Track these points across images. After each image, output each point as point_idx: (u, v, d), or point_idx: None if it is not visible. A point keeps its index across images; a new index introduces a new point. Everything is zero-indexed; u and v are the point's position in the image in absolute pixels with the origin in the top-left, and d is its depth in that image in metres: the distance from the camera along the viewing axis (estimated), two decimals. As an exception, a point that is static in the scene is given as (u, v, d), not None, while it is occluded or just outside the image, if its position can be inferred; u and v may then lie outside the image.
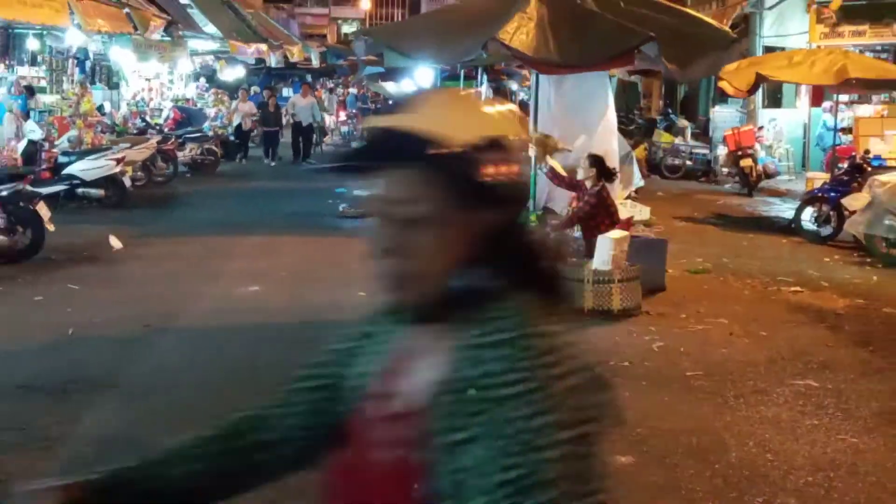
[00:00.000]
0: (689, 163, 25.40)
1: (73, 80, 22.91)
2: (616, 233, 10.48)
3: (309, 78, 40.61)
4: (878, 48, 22.02)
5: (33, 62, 21.16)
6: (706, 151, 25.58)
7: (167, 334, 9.38)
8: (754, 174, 21.80)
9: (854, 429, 6.94)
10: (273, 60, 30.74)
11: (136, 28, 14.70)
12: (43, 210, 12.44)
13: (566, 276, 2.36)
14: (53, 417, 6.93)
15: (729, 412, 7.31)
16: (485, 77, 19.15)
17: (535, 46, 9.67)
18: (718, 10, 25.97)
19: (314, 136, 28.14)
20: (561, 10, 10.09)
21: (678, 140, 26.23)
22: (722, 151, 23.70)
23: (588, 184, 11.06)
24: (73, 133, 18.98)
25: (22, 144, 17.00)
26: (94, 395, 7.47)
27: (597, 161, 11.19)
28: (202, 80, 33.87)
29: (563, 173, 11.62)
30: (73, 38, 19.87)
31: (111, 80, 26.70)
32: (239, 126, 27.52)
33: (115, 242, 13.49)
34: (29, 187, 12.78)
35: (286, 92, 36.43)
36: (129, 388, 7.73)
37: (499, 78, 21.74)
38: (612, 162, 12.96)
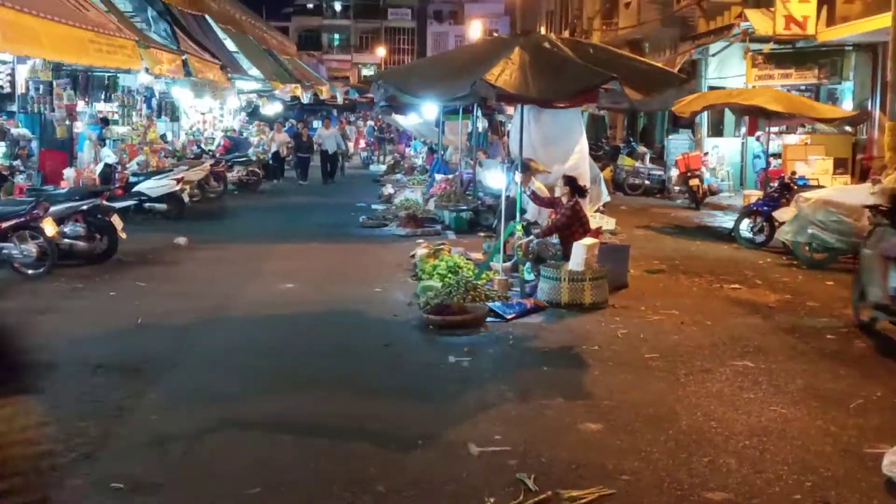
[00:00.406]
0: (647, 182, 25.84)
1: (141, 114, 23.11)
2: (587, 240, 10.68)
3: (335, 112, 40.81)
4: (803, 87, 22.15)
5: (108, 99, 21.33)
6: (661, 173, 25.97)
7: (218, 322, 9.53)
8: (701, 192, 22.23)
9: (783, 401, 6.97)
10: (305, 98, 31.02)
11: (191, 72, 14.88)
12: (116, 221, 12.62)
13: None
14: (125, 391, 7.00)
15: (680, 388, 7.35)
16: (479, 111, 19.31)
17: (517, 85, 9.83)
18: (671, 57, 26.15)
19: (338, 160, 28.28)
20: (539, 56, 10.27)
21: (638, 163, 26.57)
22: (674, 173, 24.12)
23: (564, 199, 11.26)
24: (141, 158, 19.24)
25: (99, 167, 17.25)
26: (158, 373, 7.55)
27: (570, 181, 11.41)
28: (244, 114, 34.03)
29: (546, 193, 11.81)
30: (142, 79, 20.18)
31: (173, 113, 26.89)
32: (276, 152, 27.73)
33: (181, 240, 13.77)
34: (105, 202, 12.95)
35: (316, 124, 36.64)
36: (188, 367, 7.87)
37: (491, 112, 21.79)
38: (584, 181, 13.10)
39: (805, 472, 5.60)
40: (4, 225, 11.42)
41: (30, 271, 11.43)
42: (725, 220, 18.36)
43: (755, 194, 16.31)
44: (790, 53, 22.22)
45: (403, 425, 6.36)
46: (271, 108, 34.54)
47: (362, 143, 40.06)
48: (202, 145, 26.39)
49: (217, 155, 25.02)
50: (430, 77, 11.64)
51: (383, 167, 31.43)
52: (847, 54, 21.63)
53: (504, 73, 10.00)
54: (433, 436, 6.15)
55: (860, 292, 9.43)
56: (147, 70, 12.60)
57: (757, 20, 21.80)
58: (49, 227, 11.53)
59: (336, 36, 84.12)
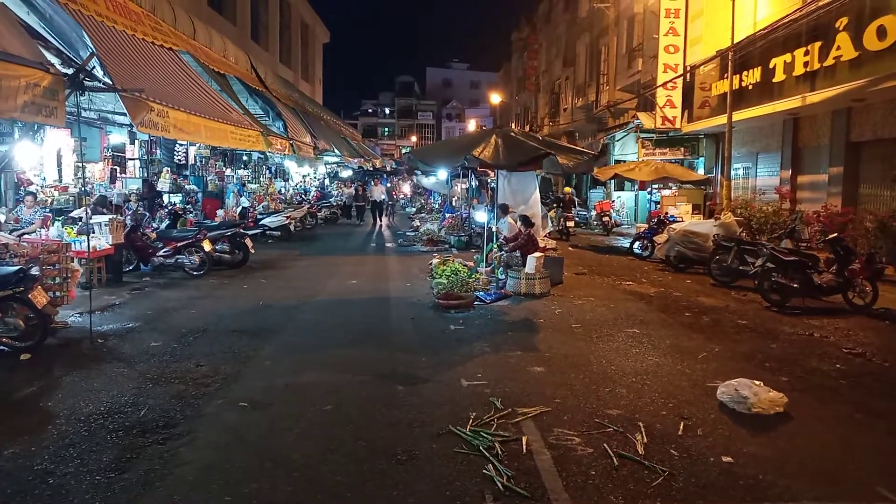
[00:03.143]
0: (577, 219, 25.56)
1: (265, 176, 23.22)
2: (537, 254, 10.67)
3: (385, 175, 40.84)
4: (674, 160, 22.17)
5: (245, 167, 21.47)
6: (586, 213, 25.81)
7: (309, 304, 9.50)
8: (610, 224, 22.18)
9: (657, 354, 6.98)
10: (367, 166, 30.98)
11: (295, 150, 14.93)
12: (248, 242, 12.66)
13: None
14: (251, 346, 7.02)
15: (593, 345, 7.34)
16: (472, 175, 19.32)
17: (493, 157, 9.85)
18: (592, 142, 26.27)
19: (384, 208, 28.10)
20: (507, 140, 10.27)
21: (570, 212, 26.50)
22: (594, 213, 23.98)
23: (522, 230, 11.26)
24: (265, 203, 19.33)
25: (239, 209, 17.33)
26: (271, 335, 7.58)
27: (525, 219, 11.42)
28: (326, 179, 34.05)
29: (515, 229, 11.76)
30: (263, 156, 20.37)
31: (285, 175, 27.01)
32: (343, 202, 27.63)
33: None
34: (241, 230, 13.00)
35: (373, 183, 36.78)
36: (290, 331, 7.86)
37: (481, 175, 21.81)
38: (537, 219, 13.11)
39: (669, 397, 5.60)
40: (180, 244, 11.50)
41: (194, 273, 11.50)
42: (625, 242, 18.35)
43: (643, 226, 16.31)
44: (665, 139, 22.27)
45: (420, 367, 6.37)
46: (345, 173, 34.58)
47: (404, 192, 40.48)
48: (303, 196, 26.47)
49: (312, 201, 25.10)
50: (439, 153, 11.69)
51: (414, 209, 31.48)
52: (701, 140, 21.66)
53: (485, 151, 10.04)
54: (439, 374, 6.15)
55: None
56: (267, 150, 12.62)
57: (644, 119, 21.90)
58: (207, 246, 11.59)
59: (386, 129, 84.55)
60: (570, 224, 20.91)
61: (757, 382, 5.40)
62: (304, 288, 10.81)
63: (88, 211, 9.21)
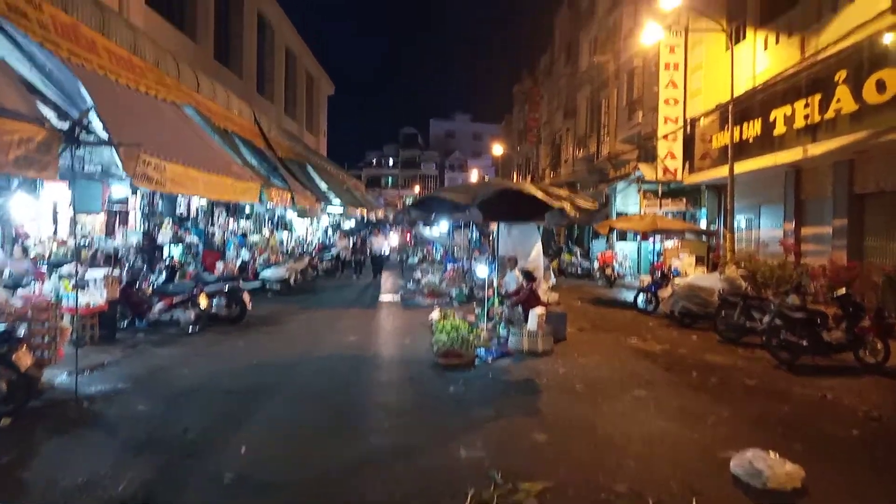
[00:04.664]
0: (579, 270, 25.38)
1: (267, 228, 23.13)
2: (539, 309, 10.39)
3: (388, 226, 40.78)
4: (676, 213, 22.09)
5: (247, 218, 21.41)
6: (588, 264, 25.52)
7: (306, 363, 9.17)
8: (613, 276, 21.84)
9: (664, 418, 6.70)
10: (371, 217, 30.98)
11: (294, 203, 14.80)
12: (246, 296, 12.36)
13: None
14: (242, 410, 6.73)
15: (597, 409, 7.04)
16: (474, 226, 19.23)
17: (491, 211, 9.69)
18: (593, 193, 26.12)
19: (384, 260, 27.34)
20: (507, 194, 10.05)
21: (574, 258, 26.23)
22: (596, 264, 23.74)
23: (524, 284, 11.03)
24: (265, 255, 19.13)
25: (238, 262, 17.11)
26: (266, 397, 7.28)
27: (527, 274, 11.22)
28: (330, 230, 33.93)
29: (520, 281, 11.53)
30: (263, 207, 20.31)
31: (286, 227, 26.92)
32: (338, 254, 26.83)
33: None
34: (240, 284, 12.75)
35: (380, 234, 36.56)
36: (285, 393, 7.56)
37: (482, 226, 21.72)
38: (539, 271, 12.96)
39: (678, 469, 5.30)
40: (175, 300, 11.27)
41: (190, 329, 11.21)
42: (628, 295, 17.99)
43: (647, 279, 16.07)
44: (667, 191, 22.23)
45: (417, 435, 6.06)
46: (348, 224, 34.55)
47: (398, 241, 40.25)
48: (305, 247, 26.31)
49: (313, 253, 24.89)
50: (437, 204, 11.45)
51: (416, 259, 31.26)
52: (703, 191, 21.59)
53: (487, 203, 9.87)
54: (436, 442, 5.84)
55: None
56: (266, 202, 12.47)
57: (646, 170, 21.86)
58: (203, 301, 11.34)
59: (390, 179, 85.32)
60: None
61: (772, 453, 5.09)
62: (301, 345, 10.51)
63: (78, 267, 9.01)
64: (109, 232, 13.55)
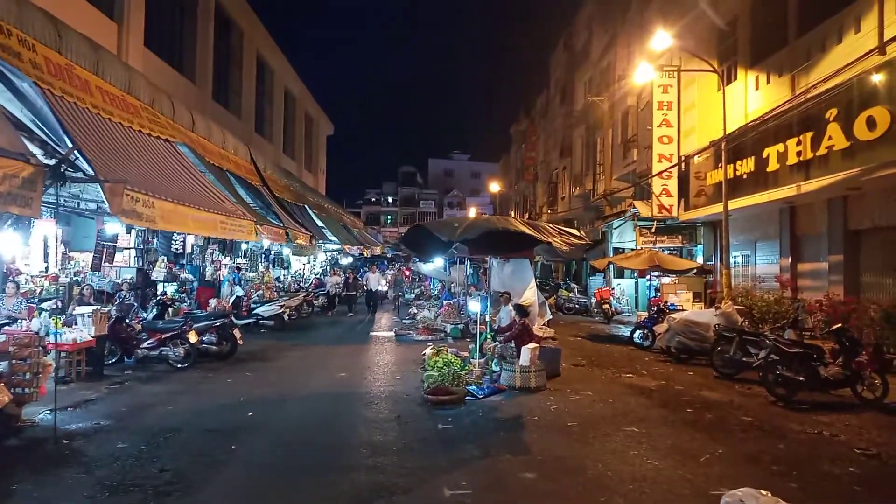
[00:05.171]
0: (577, 306, 25.26)
1: (262, 264, 23.05)
2: (531, 345, 10.22)
3: (385, 262, 40.71)
4: (672, 249, 21.99)
5: (242, 255, 21.34)
6: (586, 300, 25.42)
7: (293, 401, 9.00)
8: (610, 312, 21.71)
9: (656, 456, 6.52)
10: (367, 254, 30.92)
11: (290, 240, 14.79)
12: (237, 333, 12.23)
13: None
14: (224, 449, 6.57)
15: (589, 446, 6.87)
16: (468, 261, 19.12)
17: (478, 247, 9.57)
18: (590, 230, 26.19)
19: (379, 297, 26.85)
20: (501, 234, 9.88)
21: (571, 294, 26.13)
22: (593, 300, 23.61)
23: (517, 319, 10.90)
24: (260, 292, 19.03)
25: (232, 298, 16.99)
26: (249, 435, 7.14)
27: (519, 307, 11.10)
28: (327, 266, 33.84)
29: (513, 316, 11.41)
30: (252, 245, 20.28)
31: (283, 263, 26.84)
32: (328, 290, 26.58)
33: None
34: (231, 320, 12.63)
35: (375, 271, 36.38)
36: (269, 431, 7.40)
37: (477, 262, 21.55)
38: (534, 307, 12.81)
39: (669, 509, 5.11)
40: (164, 336, 11.14)
41: (179, 365, 11.07)
42: (625, 331, 17.81)
43: (644, 314, 15.92)
44: (663, 227, 22.17)
45: (402, 474, 5.88)
46: (346, 260, 34.46)
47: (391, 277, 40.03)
48: (302, 283, 26.20)
49: (310, 289, 24.80)
50: (426, 242, 11.29)
51: (413, 296, 31.10)
52: (699, 228, 21.56)
53: (477, 240, 9.76)
54: (420, 482, 5.67)
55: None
56: (259, 239, 12.43)
57: (641, 207, 21.86)
58: (192, 337, 11.20)
59: (389, 217, 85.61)
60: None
61: (764, 492, 4.90)
62: (290, 382, 10.34)
63: (60, 303, 8.92)
64: (96, 268, 13.45)
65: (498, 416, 8.32)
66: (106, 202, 6.94)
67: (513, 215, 51.05)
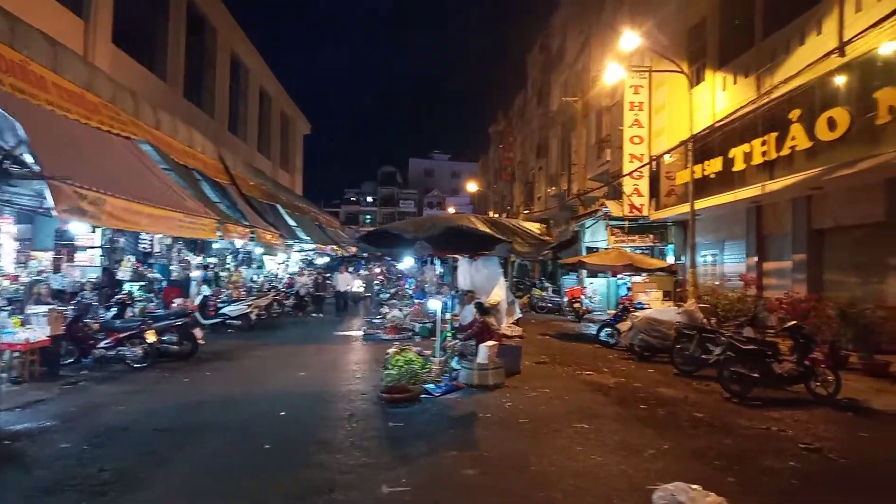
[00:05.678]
0: (549, 305, 25.39)
1: (231, 264, 22.82)
2: (490, 342, 10.24)
3: (362, 262, 40.59)
4: (643, 248, 22.14)
5: (210, 254, 21.11)
6: (559, 299, 25.54)
7: (247, 400, 8.90)
8: (581, 311, 21.81)
9: (601, 452, 6.53)
10: (343, 254, 30.78)
11: (254, 239, 14.67)
12: (198, 332, 12.13)
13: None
14: (170, 448, 6.49)
15: (537, 443, 6.88)
16: (438, 260, 19.14)
17: (441, 245, 9.59)
18: (564, 229, 26.25)
19: (348, 299, 25.89)
20: (464, 232, 9.87)
21: (545, 293, 26.23)
22: (566, 299, 23.71)
23: (478, 317, 10.91)
24: (228, 292, 18.88)
25: (199, 298, 16.82)
26: (197, 435, 7.05)
27: (480, 305, 11.10)
28: (301, 265, 33.56)
29: (474, 315, 11.41)
30: (223, 244, 20.08)
31: (255, 263, 26.59)
32: (297, 291, 26.30)
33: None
34: (193, 320, 12.50)
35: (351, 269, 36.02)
36: (217, 430, 7.31)
37: (448, 260, 21.61)
38: (502, 305, 12.82)
39: (604, 501, 5.13)
40: (122, 336, 11.03)
41: (136, 365, 10.95)
42: (594, 329, 17.86)
43: (613, 313, 16.00)
44: (634, 227, 22.33)
45: (342, 472, 5.86)
46: (321, 260, 34.23)
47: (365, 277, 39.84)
48: (275, 283, 25.98)
49: (282, 289, 24.62)
50: (397, 240, 11.31)
51: (387, 295, 31.03)
52: (669, 227, 21.74)
53: (440, 239, 9.78)
54: (360, 479, 5.66)
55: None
56: (221, 238, 12.32)
57: (613, 207, 22.00)
58: (151, 337, 11.10)
59: (368, 217, 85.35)
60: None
61: (695, 487, 4.96)
62: (247, 382, 10.27)
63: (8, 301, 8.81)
64: (56, 268, 13.28)
65: (451, 413, 8.33)
66: (49, 199, 6.85)
67: (491, 214, 51.18)
